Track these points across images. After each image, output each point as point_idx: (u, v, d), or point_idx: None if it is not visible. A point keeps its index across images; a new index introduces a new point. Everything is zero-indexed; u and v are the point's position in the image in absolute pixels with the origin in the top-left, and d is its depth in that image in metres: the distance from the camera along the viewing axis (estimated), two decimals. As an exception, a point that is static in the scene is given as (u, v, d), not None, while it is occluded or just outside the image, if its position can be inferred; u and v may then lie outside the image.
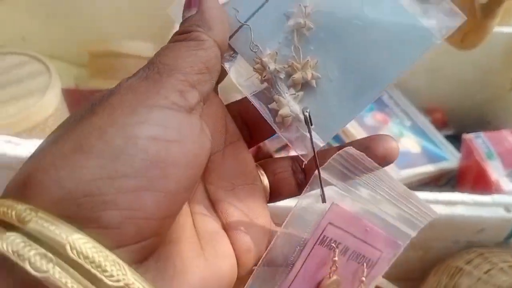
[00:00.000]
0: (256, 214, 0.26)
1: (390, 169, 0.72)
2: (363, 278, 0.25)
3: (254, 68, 0.26)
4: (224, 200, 0.26)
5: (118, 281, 0.17)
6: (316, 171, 0.24)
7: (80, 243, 0.17)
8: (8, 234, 0.17)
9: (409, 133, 0.81)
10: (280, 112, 0.25)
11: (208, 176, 0.26)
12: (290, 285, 0.24)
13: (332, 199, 0.25)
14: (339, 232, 0.26)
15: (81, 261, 0.17)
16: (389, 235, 0.27)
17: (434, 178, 0.77)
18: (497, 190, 0.65)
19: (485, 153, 0.69)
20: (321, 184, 0.24)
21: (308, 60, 0.25)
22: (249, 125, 0.29)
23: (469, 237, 0.57)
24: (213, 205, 0.26)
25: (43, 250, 0.16)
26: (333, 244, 0.25)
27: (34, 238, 0.17)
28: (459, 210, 0.54)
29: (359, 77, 0.25)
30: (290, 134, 0.25)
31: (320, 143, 0.25)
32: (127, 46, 0.81)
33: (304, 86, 0.25)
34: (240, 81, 0.26)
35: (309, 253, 0.25)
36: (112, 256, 0.17)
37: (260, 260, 0.24)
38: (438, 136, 0.84)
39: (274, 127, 0.25)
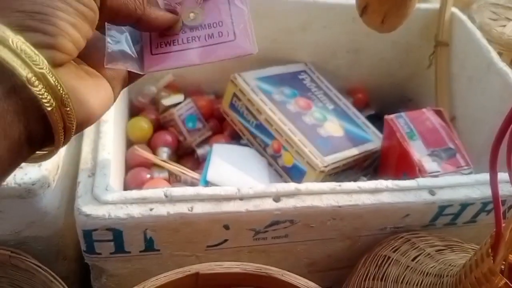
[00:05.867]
0: None
1: (316, 156, 0.69)
2: None
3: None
4: None
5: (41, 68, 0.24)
6: None
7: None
8: None
9: (332, 116, 0.79)
10: None
11: None
12: None
13: None
14: None
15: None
16: None
17: (358, 161, 0.75)
18: (420, 170, 0.64)
19: (407, 133, 0.68)
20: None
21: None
22: None
23: (395, 223, 0.56)
24: None
25: None
26: None
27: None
28: (385, 198, 0.53)
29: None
30: None
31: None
32: None
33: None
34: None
35: None
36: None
37: None
38: (361, 117, 0.83)
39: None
